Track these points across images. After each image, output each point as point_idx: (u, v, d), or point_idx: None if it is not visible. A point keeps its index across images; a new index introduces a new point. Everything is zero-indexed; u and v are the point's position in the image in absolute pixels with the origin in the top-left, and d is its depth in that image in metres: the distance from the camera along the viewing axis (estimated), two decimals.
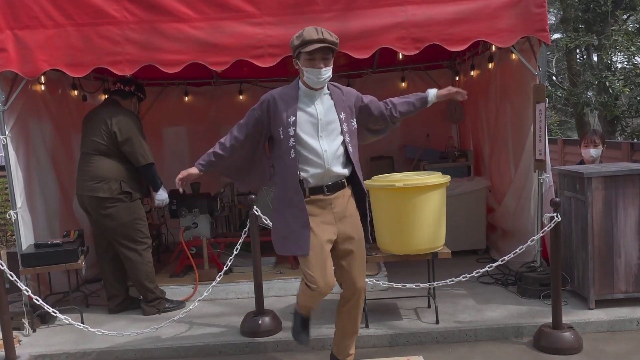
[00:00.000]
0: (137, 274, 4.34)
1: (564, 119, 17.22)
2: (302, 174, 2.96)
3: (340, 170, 3.02)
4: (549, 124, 14.16)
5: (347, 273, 3.03)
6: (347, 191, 3.07)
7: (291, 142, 2.96)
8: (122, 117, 4.30)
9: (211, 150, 3.22)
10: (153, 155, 4.38)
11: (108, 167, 4.26)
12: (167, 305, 4.43)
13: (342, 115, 3.04)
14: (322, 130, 2.99)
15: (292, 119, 2.96)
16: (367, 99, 3.22)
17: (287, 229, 3.00)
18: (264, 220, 3.97)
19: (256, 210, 3.88)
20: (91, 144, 4.30)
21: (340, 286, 3.11)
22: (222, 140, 3.22)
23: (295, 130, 2.95)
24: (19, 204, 4.21)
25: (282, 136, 2.98)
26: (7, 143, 4.15)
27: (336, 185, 3.02)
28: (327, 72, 2.97)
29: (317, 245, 2.92)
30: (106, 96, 5.71)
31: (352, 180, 3.10)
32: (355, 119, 3.13)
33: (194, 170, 3.21)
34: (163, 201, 4.51)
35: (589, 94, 11.27)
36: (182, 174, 3.21)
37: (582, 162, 4.78)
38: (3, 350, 3.55)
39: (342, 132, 3.01)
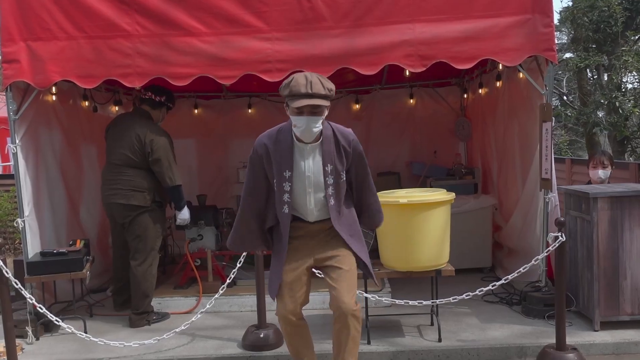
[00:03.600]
0: (143, 284, 4.38)
1: (575, 139, 17.14)
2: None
3: (325, 217, 2.98)
4: (559, 143, 14.11)
5: (333, 292, 2.90)
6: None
7: (286, 197, 2.88)
8: (156, 136, 4.39)
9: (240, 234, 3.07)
10: (180, 176, 4.46)
11: (142, 177, 4.38)
12: (154, 318, 4.47)
13: (329, 168, 2.89)
14: (310, 186, 2.90)
15: (289, 173, 2.87)
16: (356, 174, 2.99)
17: (272, 271, 3.02)
18: None
19: None
20: (122, 157, 4.39)
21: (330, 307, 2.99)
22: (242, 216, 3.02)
23: (291, 186, 2.88)
24: (26, 212, 4.25)
25: (276, 188, 2.91)
26: (17, 152, 4.20)
27: (321, 220, 2.99)
28: (317, 122, 2.79)
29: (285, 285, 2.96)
30: (120, 104, 5.80)
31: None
32: (344, 172, 2.94)
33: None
34: (185, 220, 4.59)
35: (600, 114, 11.23)
36: None
37: (590, 183, 4.75)
38: (5, 357, 3.57)
39: (325, 186, 2.89)
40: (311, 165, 2.89)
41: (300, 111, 2.74)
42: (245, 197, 3.00)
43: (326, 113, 2.84)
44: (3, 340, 3.59)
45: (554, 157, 4.52)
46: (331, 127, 2.93)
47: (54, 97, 4.85)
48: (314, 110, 2.75)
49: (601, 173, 4.60)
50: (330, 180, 2.89)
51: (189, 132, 7.04)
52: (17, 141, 4.22)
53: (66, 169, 5.00)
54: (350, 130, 3.00)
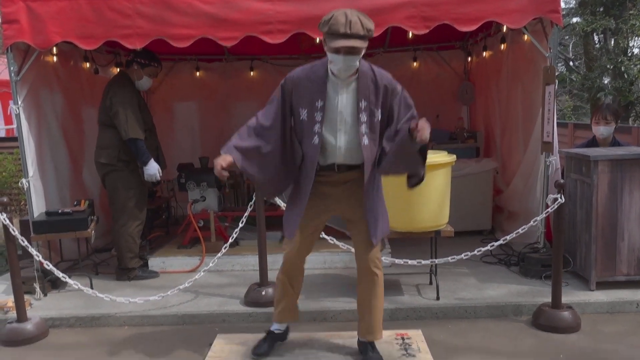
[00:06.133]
0: (119, 241, 4.53)
1: (579, 104, 17.01)
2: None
3: (354, 162, 2.91)
4: (563, 109, 14.02)
5: (356, 246, 2.98)
6: (360, 172, 2.93)
7: (316, 127, 2.82)
8: (116, 89, 4.43)
9: (239, 140, 2.87)
10: (140, 130, 4.39)
11: (109, 135, 4.44)
12: (138, 274, 4.60)
13: (363, 104, 2.81)
14: (341, 123, 2.84)
15: (321, 103, 2.80)
16: (401, 109, 2.85)
17: (289, 211, 3.01)
18: None
19: None
20: (98, 115, 4.53)
21: None
22: (247, 130, 2.89)
23: (323, 116, 2.81)
24: (30, 173, 4.30)
25: (306, 118, 2.83)
26: (19, 113, 4.22)
27: (349, 167, 2.93)
28: (354, 61, 2.72)
29: (302, 230, 2.97)
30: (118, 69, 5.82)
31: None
32: (380, 110, 2.85)
33: (229, 158, 2.82)
34: (152, 176, 4.46)
35: (605, 80, 11.10)
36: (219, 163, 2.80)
37: (593, 140, 4.68)
38: (15, 312, 3.67)
39: (359, 123, 2.82)
40: (344, 101, 2.82)
41: (337, 50, 2.69)
42: (262, 123, 2.85)
43: (364, 51, 2.77)
44: (12, 296, 3.69)
45: (557, 122, 4.50)
46: (369, 65, 2.87)
47: (54, 59, 4.84)
48: (351, 51, 2.69)
49: (603, 130, 4.49)
50: (364, 118, 2.82)
51: (190, 95, 7.06)
52: (19, 102, 4.22)
53: (68, 131, 5.03)
54: (388, 73, 2.94)
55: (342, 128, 2.85)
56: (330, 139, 2.86)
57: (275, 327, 3.28)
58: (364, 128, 2.83)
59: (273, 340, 3.27)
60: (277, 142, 2.88)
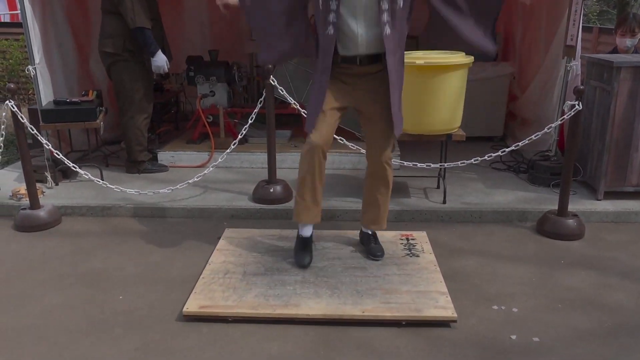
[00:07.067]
0: (128, 134, 4.52)
1: (605, 9, 16.18)
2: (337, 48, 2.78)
3: (376, 51, 2.80)
4: (588, 14, 13.34)
5: (370, 144, 2.92)
6: (381, 65, 2.84)
7: (331, 16, 2.70)
8: None
9: None
10: (147, 19, 4.21)
11: (114, 24, 4.27)
12: (148, 167, 4.64)
13: None
14: (360, 10, 2.70)
15: None
16: None
17: (310, 105, 2.92)
18: (280, 92, 3.94)
19: (272, 81, 3.83)
20: (102, 2, 4.30)
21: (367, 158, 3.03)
22: None
23: (338, 4, 2.68)
24: (37, 60, 4.20)
25: (321, 7, 2.72)
26: None
27: (371, 59, 2.82)
28: None
29: (323, 114, 2.85)
30: None
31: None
32: None
33: None
34: (159, 67, 4.35)
35: None
36: None
37: (614, 51, 4.53)
38: (27, 199, 3.74)
39: (380, 11, 2.67)
40: None
41: None
42: None
43: None
44: (24, 184, 3.74)
45: (582, 26, 4.28)
46: None
47: None
48: None
49: (629, 42, 4.33)
50: (385, 5, 2.66)
51: None
52: None
53: (73, 17, 4.85)
54: None
55: (361, 16, 2.71)
56: (350, 27, 2.73)
57: (302, 232, 3.12)
58: (385, 16, 2.68)
59: (308, 246, 3.11)
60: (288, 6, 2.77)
